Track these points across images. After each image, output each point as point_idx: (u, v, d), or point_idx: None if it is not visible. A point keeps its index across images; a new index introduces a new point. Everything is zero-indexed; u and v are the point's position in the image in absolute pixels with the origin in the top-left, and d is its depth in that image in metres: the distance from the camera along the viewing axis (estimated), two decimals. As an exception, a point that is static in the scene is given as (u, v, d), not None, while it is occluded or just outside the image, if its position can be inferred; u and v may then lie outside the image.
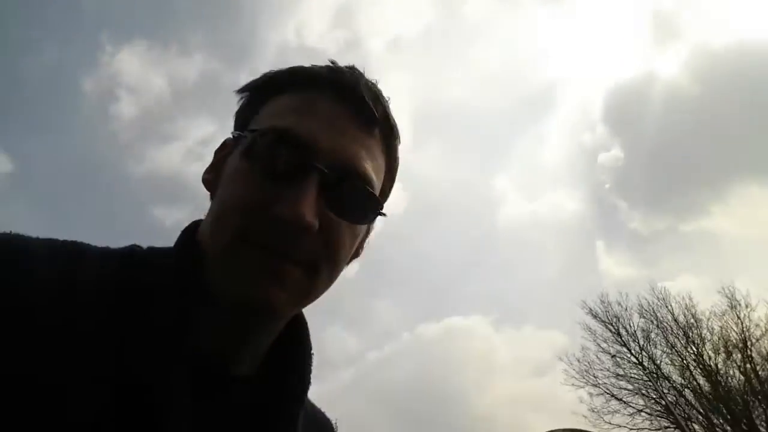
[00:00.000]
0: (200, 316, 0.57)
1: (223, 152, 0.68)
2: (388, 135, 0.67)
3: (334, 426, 0.83)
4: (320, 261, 0.59)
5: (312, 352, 0.70)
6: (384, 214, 0.68)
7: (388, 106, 0.67)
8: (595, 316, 20.14)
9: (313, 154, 0.58)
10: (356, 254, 0.71)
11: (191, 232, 0.64)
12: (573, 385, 19.29)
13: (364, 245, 0.72)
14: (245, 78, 0.70)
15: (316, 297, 0.63)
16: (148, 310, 0.54)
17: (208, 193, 0.67)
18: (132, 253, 0.61)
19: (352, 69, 0.67)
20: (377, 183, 0.65)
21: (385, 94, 0.68)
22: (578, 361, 19.64)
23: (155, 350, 0.52)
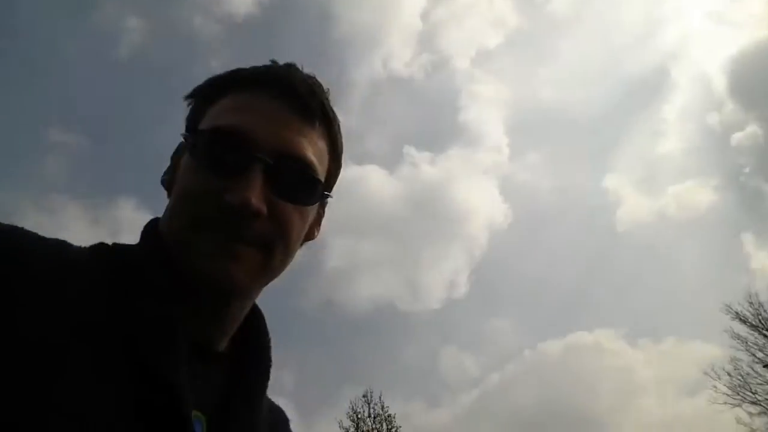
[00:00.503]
0: (183, 299, 0.63)
1: (177, 156, 0.74)
2: (328, 123, 0.73)
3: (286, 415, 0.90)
4: (273, 241, 0.65)
5: (269, 337, 0.77)
6: (329, 196, 0.75)
7: (326, 97, 0.73)
8: (744, 321, 17.68)
9: (256, 146, 0.64)
10: (310, 235, 0.77)
11: (153, 227, 0.70)
12: (726, 403, 17.08)
13: (319, 227, 0.79)
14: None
15: (275, 274, 0.70)
16: (139, 298, 0.60)
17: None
18: (103, 248, 0.67)
19: (289, 66, 0.73)
20: (320, 168, 0.71)
21: (324, 86, 0.74)
22: (729, 375, 17.42)
23: (157, 332, 0.58)
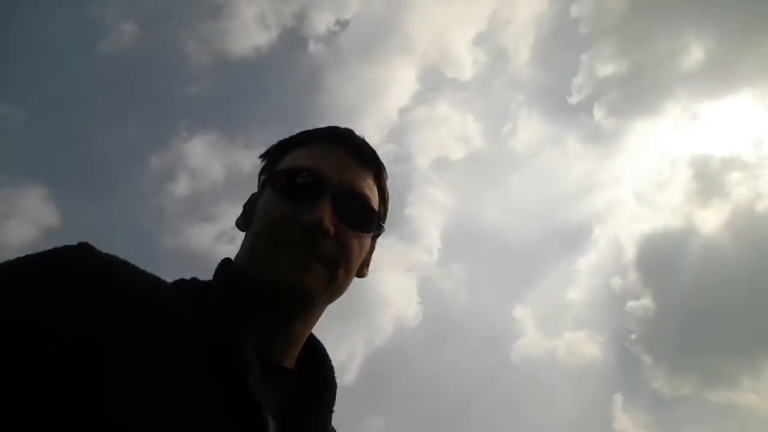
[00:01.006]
0: (251, 316, 0.71)
1: (249, 204, 0.90)
2: (378, 170, 0.90)
3: None
4: (337, 260, 0.78)
5: (332, 362, 0.85)
6: (383, 228, 0.90)
7: (376, 152, 0.91)
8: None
9: (326, 181, 0.80)
10: (364, 268, 0.91)
11: (227, 261, 0.82)
12: None
13: (369, 264, 0.93)
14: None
15: (339, 291, 0.82)
16: (215, 310, 0.69)
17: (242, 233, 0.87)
18: (185, 281, 0.77)
19: (345, 128, 0.91)
20: (374, 203, 0.87)
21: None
22: None
23: (231, 333, 0.67)
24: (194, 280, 0.78)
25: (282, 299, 0.75)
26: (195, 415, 0.56)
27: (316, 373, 0.81)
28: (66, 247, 0.61)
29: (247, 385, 0.62)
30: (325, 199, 0.77)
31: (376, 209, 0.87)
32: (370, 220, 0.84)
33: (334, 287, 0.80)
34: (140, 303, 0.61)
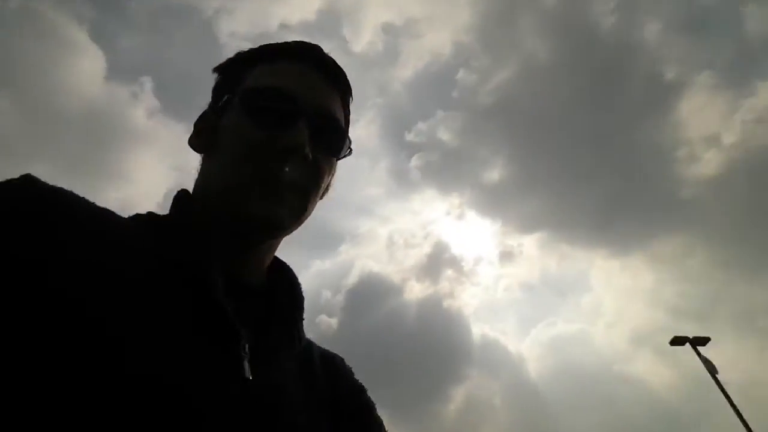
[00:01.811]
0: (214, 240, 0.71)
1: (206, 122, 0.83)
2: (346, 91, 0.87)
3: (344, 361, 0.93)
4: (309, 187, 0.77)
5: (297, 279, 0.85)
6: (351, 151, 0.86)
7: (344, 72, 0.86)
8: None
9: (301, 104, 0.76)
10: (326, 191, 0.87)
11: (183, 192, 0.78)
12: None
13: (330, 186, 0.89)
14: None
15: (305, 219, 0.80)
16: (176, 237, 0.69)
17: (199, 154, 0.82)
18: (140, 213, 0.74)
19: (313, 44, 0.85)
20: (344, 126, 0.84)
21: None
22: None
23: (192, 250, 0.67)
24: (150, 213, 0.74)
25: (252, 230, 0.73)
26: (162, 332, 0.55)
27: (284, 290, 0.81)
28: (8, 180, 0.59)
29: (212, 297, 0.62)
30: (301, 123, 0.74)
31: (347, 132, 0.84)
32: (343, 145, 0.82)
33: (303, 217, 0.78)
34: (89, 223, 0.60)
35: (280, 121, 0.74)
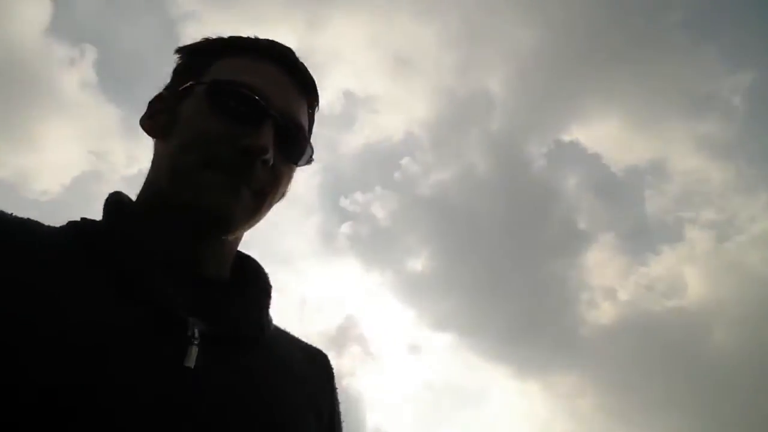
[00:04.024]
0: (158, 240, 0.69)
1: (162, 104, 0.79)
2: (314, 100, 0.85)
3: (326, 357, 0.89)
4: (267, 189, 0.74)
5: (264, 270, 0.82)
6: (313, 160, 0.84)
7: (314, 79, 0.84)
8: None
9: (269, 103, 0.73)
10: (281, 197, 0.84)
11: (116, 197, 0.74)
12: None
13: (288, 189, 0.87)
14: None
15: (258, 220, 0.77)
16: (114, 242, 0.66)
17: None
18: (72, 221, 0.70)
19: (286, 46, 0.83)
20: (308, 134, 0.82)
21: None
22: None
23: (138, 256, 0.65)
24: (83, 219, 0.70)
25: (201, 223, 0.69)
26: (90, 330, 0.55)
27: (249, 280, 0.78)
28: None
29: (147, 286, 0.62)
30: (268, 124, 0.71)
31: (309, 141, 0.82)
32: (305, 153, 0.80)
33: (256, 217, 0.76)
34: (12, 237, 0.60)
35: (246, 119, 0.71)
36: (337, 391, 0.85)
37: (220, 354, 0.63)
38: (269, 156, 0.70)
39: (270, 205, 0.78)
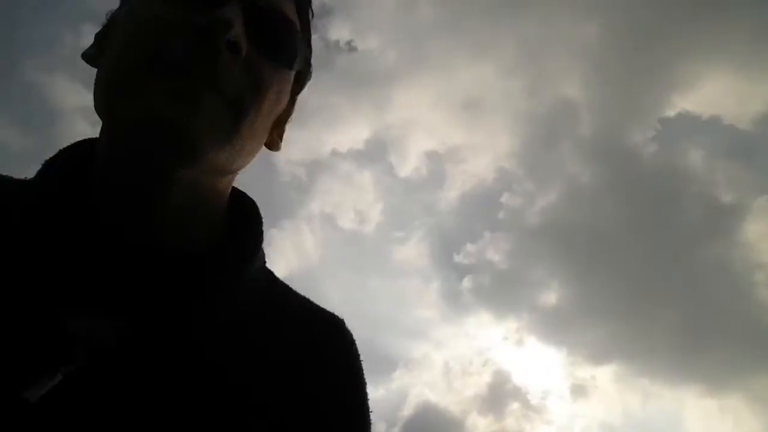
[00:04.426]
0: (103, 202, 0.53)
1: (108, 23, 0.61)
2: (304, 3, 0.63)
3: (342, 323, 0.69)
4: (245, 96, 0.52)
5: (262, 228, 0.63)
6: (311, 70, 0.65)
7: None
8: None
9: None
10: (288, 113, 0.65)
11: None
12: None
13: (295, 107, 0.67)
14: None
15: (244, 145, 0.54)
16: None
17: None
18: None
19: None
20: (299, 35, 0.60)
21: None
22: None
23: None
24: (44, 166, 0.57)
25: (154, 141, 0.48)
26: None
27: (229, 251, 0.57)
28: None
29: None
30: (233, 3, 0.52)
31: (304, 40, 0.62)
32: (293, 50, 0.58)
33: (237, 139, 0.52)
34: None
35: (203, 3, 0.51)
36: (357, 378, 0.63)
37: (107, 376, 0.46)
38: (233, 34, 0.49)
39: (259, 126, 0.56)
